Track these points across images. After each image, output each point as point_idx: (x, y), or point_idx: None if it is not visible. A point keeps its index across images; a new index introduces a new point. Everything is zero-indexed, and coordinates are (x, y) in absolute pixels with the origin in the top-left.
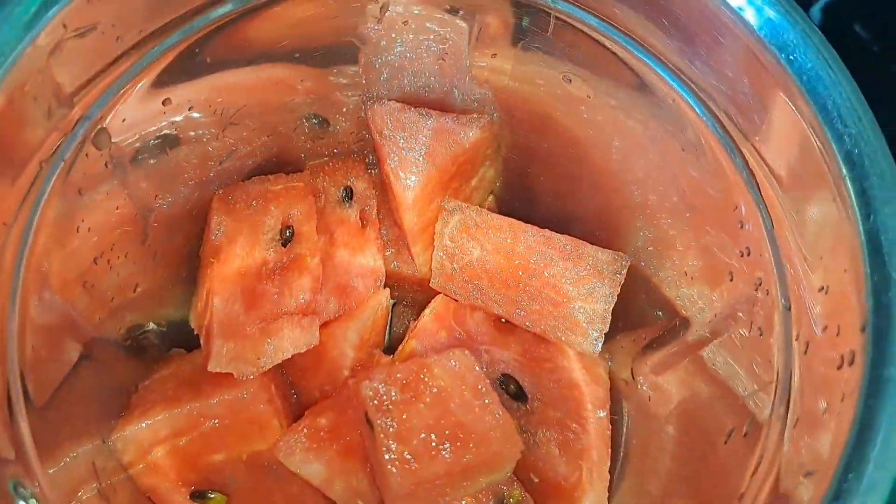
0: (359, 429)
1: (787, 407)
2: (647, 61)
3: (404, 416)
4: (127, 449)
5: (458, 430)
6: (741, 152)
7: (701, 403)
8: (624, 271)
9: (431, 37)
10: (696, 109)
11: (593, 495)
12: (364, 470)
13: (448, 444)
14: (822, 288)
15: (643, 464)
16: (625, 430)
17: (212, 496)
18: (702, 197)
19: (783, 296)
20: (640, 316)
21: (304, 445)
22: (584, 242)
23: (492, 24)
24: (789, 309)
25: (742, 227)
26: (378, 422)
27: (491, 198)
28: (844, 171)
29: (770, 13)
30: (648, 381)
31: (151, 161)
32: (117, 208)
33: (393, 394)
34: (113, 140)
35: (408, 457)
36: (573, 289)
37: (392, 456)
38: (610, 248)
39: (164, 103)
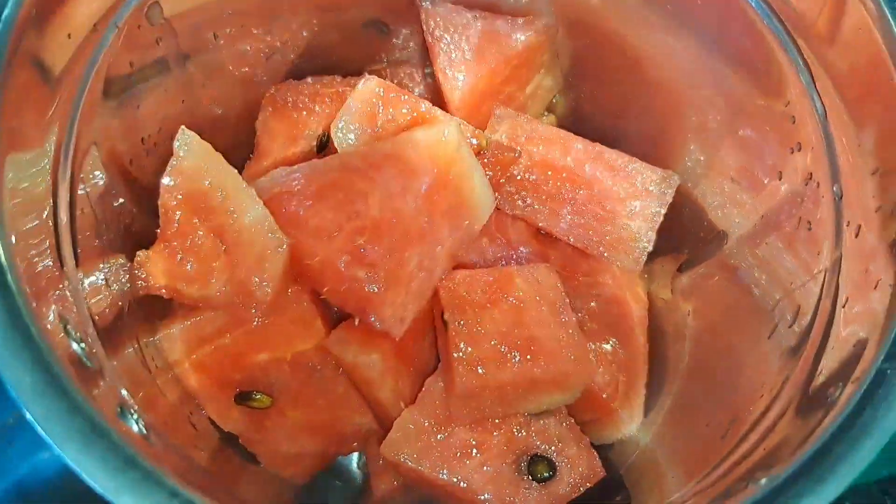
0: (405, 333)
1: (836, 289)
2: None
3: (479, 319)
4: (172, 347)
5: (531, 343)
6: (794, 40)
7: (742, 309)
8: (672, 191)
9: None
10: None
11: (629, 408)
12: (410, 375)
13: (518, 355)
14: (876, 170)
15: (678, 382)
16: (662, 349)
17: (257, 397)
18: (752, 94)
19: (835, 184)
20: (682, 236)
21: (360, 337)
22: (635, 159)
23: None
24: (841, 197)
25: (794, 121)
26: (452, 321)
27: (552, 117)
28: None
29: None
30: (688, 298)
31: (200, 50)
32: (165, 91)
33: (470, 295)
34: (165, 15)
35: (476, 359)
36: (620, 205)
37: (461, 355)
38: (659, 165)
39: None
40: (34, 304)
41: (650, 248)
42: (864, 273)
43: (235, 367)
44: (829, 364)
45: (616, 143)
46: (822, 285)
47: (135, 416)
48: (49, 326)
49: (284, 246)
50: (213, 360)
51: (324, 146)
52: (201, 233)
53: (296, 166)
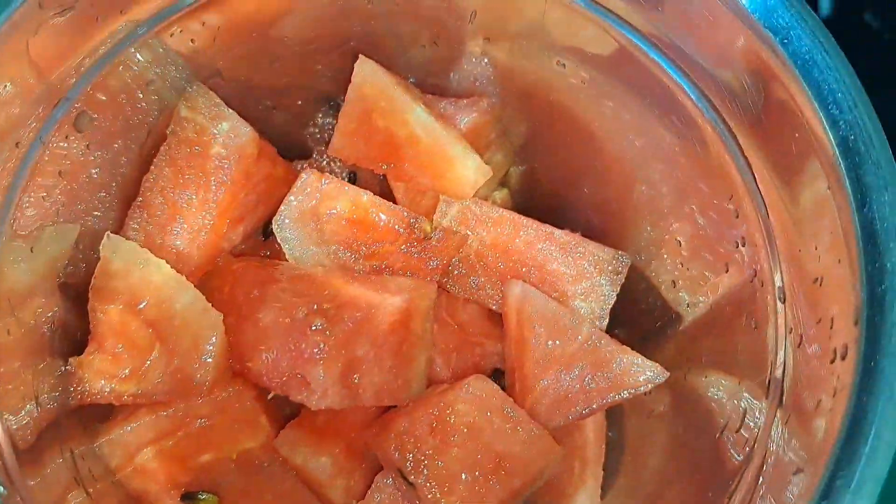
0: (357, 430)
1: (780, 401)
2: (639, 44)
3: (441, 465)
4: (114, 453)
5: (501, 460)
6: (735, 138)
7: (694, 398)
8: (624, 271)
9: (426, 19)
10: (691, 94)
11: (586, 492)
12: (362, 471)
13: (494, 478)
14: (817, 279)
15: (636, 460)
16: (618, 426)
17: (203, 497)
18: (697, 185)
19: (778, 288)
20: (635, 312)
21: (310, 439)
22: (586, 239)
23: (485, 7)
24: (783, 301)
25: (737, 216)
26: (419, 481)
27: (505, 191)
28: (839, 158)
29: None
30: None
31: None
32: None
33: (420, 445)
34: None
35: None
36: (572, 287)
37: None
38: (613, 238)
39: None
40: None
41: (603, 328)
42: (806, 390)
43: (181, 468)
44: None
45: (570, 214)
46: (767, 392)
47: None
48: None
49: (220, 323)
50: (157, 464)
51: (269, 233)
52: (133, 327)
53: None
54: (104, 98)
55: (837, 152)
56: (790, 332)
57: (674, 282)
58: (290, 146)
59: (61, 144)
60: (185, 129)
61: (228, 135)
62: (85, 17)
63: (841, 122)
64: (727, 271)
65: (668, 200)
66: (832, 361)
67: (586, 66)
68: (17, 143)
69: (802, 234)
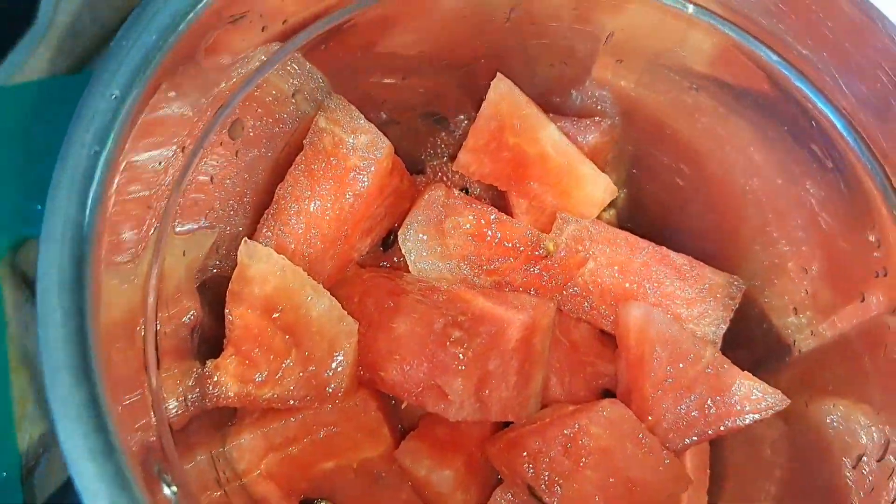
0: (475, 444)
1: None
2: (784, 71)
3: (574, 486)
4: (242, 457)
5: (631, 485)
6: (883, 168)
7: (812, 427)
8: (738, 296)
9: (561, 38)
10: (837, 123)
11: None
12: (478, 485)
13: (624, 502)
14: None
15: (742, 487)
16: (726, 452)
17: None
18: (832, 216)
19: None
20: (749, 337)
21: (432, 451)
22: (702, 263)
23: (624, 29)
24: None
25: (879, 245)
26: (552, 500)
27: (612, 212)
28: None
29: None
30: None
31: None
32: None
33: (552, 463)
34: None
35: None
36: (685, 310)
37: None
38: (724, 269)
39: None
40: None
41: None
42: None
43: (303, 476)
44: None
45: (675, 238)
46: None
47: None
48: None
49: (355, 331)
50: (281, 470)
51: (390, 245)
52: (269, 332)
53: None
54: (256, 107)
55: None
56: None
57: (795, 308)
58: (404, 161)
59: (217, 150)
60: (323, 139)
61: (367, 147)
62: (252, 25)
63: None
64: (862, 300)
65: (796, 234)
66: None
67: (723, 91)
68: (182, 148)
69: None
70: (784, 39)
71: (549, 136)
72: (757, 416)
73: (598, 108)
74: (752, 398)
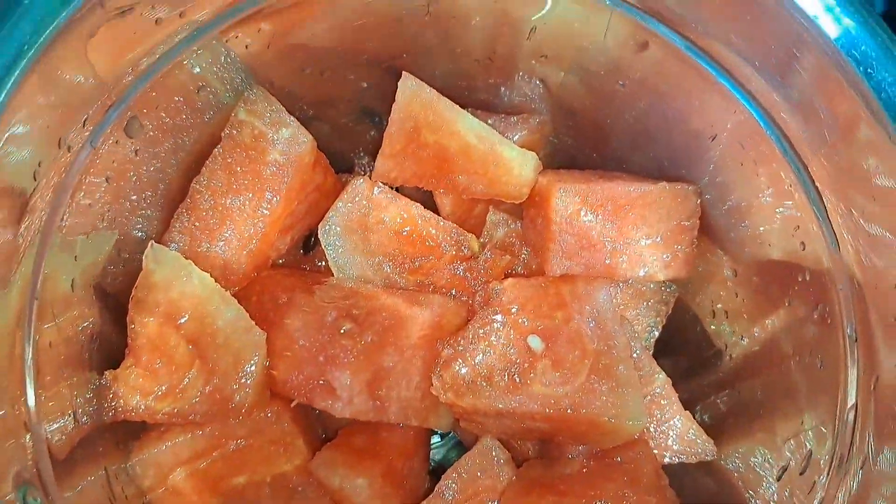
0: (395, 455)
1: (851, 443)
2: (711, 72)
3: None
4: (147, 473)
5: None
6: (807, 169)
7: (746, 436)
8: (671, 301)
9: (483, 33)
10: (755, 114)
11: None
12: (400, 498)
13: None
14: None
15: None
16: None
17: None
18: (760, 213)
19: (849, 325)
20: (678, 347)
21: (348, 461)
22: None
23: (546, 23)
24: (856, 340)
25: (804, 248)
26: None
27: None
28: None
29: (847, 23)
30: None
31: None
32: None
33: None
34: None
35: None
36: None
37: None
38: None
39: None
40: None
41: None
42: (880, 437)
43: (213, 491)
44: None
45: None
46: (835, 434)
47: None
48: None
49: (263, 343)
50: (189, 485)
51: (311, 247)
52: (173, 342)
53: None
54: (158, 98)
55: None
56: (863, 372)
57: (726, 312)
58: (331, 159)
59: (111, 149)
60: (243, 132)
61: (289, 142)
62: (144, 18)
63: None
64: (788, 305)
65: (728, 235)
66: None
67: (645, 89)
68: (68, 147)
69: (881, 268)
70: (712, 37)
71: (468, 125)
72: (683, 459)
73: (528, 104)
74: (686, 439)
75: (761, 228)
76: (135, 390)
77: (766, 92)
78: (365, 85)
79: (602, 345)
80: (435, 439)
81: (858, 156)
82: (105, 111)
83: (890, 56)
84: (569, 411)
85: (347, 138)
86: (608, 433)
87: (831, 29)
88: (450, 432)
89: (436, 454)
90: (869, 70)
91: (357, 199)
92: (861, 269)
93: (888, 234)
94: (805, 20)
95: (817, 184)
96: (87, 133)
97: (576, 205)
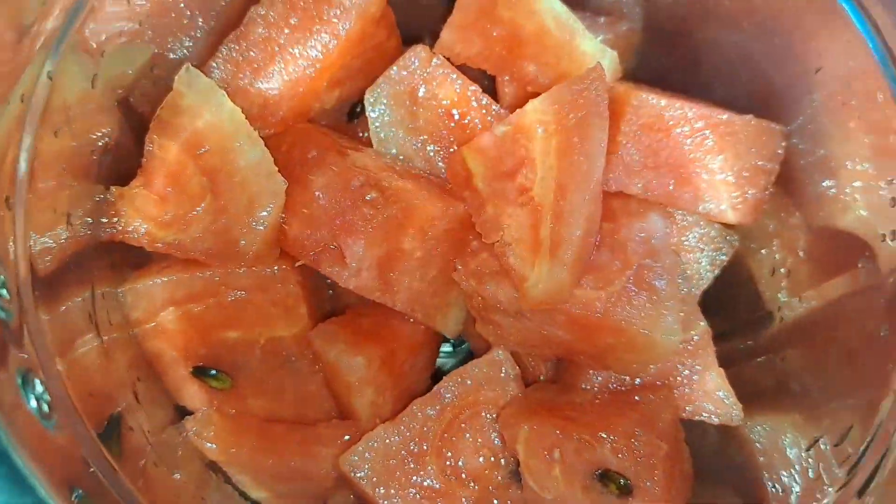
0: (399, 343)
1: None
2: None
3: None
4: (137, 304)
5: None
6: None
7: (779, 410)
8: (730, 251)
9: None
10: (871, 44)
11: None
12: (394, 392)
13: None
14: None
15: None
16: None
17: (215, 374)
18: (851, 152)
19: None
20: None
21: (349, 337)
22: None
23: None
24: None
25: (893, 204)
26: None
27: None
28: None
29: None
30: None
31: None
32: None
33: None
34: None
35: None
36: None
37: None
38: None
39: None
40: None
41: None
42: None
43: (202, 340)
44: None
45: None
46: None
47: (39, 392)
48: None
49: (282, 192)
50: (179, 327)
51: (356, 115)
52: (189, 171)
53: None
54: None
55: None
56: None
57: (788, 272)
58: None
59: None
60: None
61: None
62: None
63: None
64: (860, 266)
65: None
66: None
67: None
68: None
69: None
70: None
71: (549, 6)
72: (705, 418)
73: (622, 7)
74: (714, 397)
75: (847, 190)
76: (139, 212)
77: (885, 16)
78: None
79: (647, 260)
80: (446, 347)
81: None
82: None
83: None
84: (598, 315)
85: (416, 10)
86: (637, 349)
87: None
88: (463, 342)
89: (444, 363)
90: None
91: (412, 68)
92: None
93: None
94: None
95: None
96: None
97: (650, 117)
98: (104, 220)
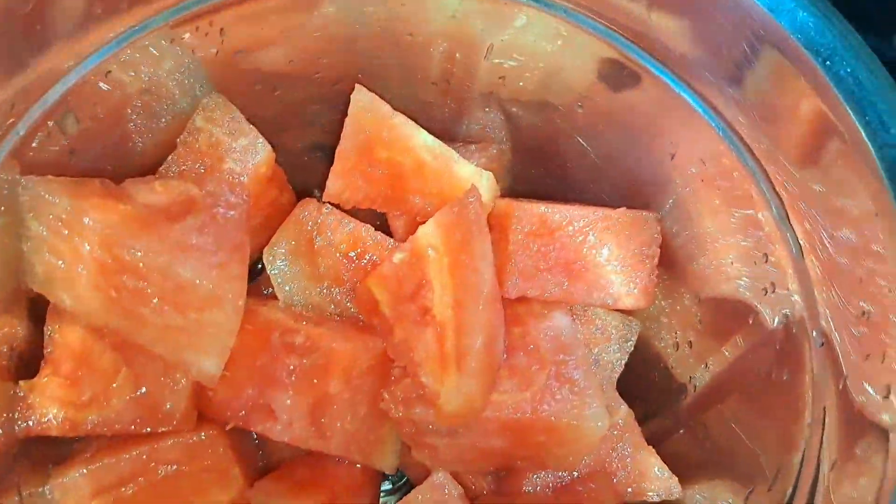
0: (339, 488)
1: (820, 450)
2: (665, 78)
3: None
4: (65, 499)
5: None
6: (765, 171)
7: (715, 463)
8: (633, 338)
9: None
10: (716, 127)
11: None
12: None
13: None
14: (863, 313)
15: None
16: None
17: None
18: (720, 225)
19: (814, 331)
20: (640, 385)
21: (288, 492)
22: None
23: (504, 40)
24: (822, 345)
25: (766, 259)
26: None
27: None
28: (887, 184)
29: (804, 15)
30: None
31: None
32: None
33: None
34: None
35: None
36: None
37: None
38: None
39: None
40: None
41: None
42: (850, 437)
43: None
44: None
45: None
46: (806, 442)
47: None
48: None
49: None
50: None
51: (257, 272)
52: (97, 349)
53: None
54: (95, 99)
55: (884, 178)
56: (831, 376)
57: (689, 343)
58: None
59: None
60: (199, 139)
61: (245, 150)
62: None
63: (887, 147)
64: (751, 322)
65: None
66: (886, 397)
67: (603, 110)
68: None
69: (843, 268)
70: (661, 36)
71: (422, 141)
72: (646, 497)
73: (488, 132)
74: (651, 475)
75: (723, 261)
76: (53, 400)
77: (724, 99)
78: (317, 109)
79: (560, 355)
80: (386, 485)
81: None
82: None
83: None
84: (528, 415)
85: (301, 170)
86: (568, 442)
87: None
88: (404, 478)
89: (387, 502)
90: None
91: (305, 222)
92: (826, 274)
93: (852, 236)
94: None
95: (776, 188)
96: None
97: (533, 225)
98: (16, 416)
